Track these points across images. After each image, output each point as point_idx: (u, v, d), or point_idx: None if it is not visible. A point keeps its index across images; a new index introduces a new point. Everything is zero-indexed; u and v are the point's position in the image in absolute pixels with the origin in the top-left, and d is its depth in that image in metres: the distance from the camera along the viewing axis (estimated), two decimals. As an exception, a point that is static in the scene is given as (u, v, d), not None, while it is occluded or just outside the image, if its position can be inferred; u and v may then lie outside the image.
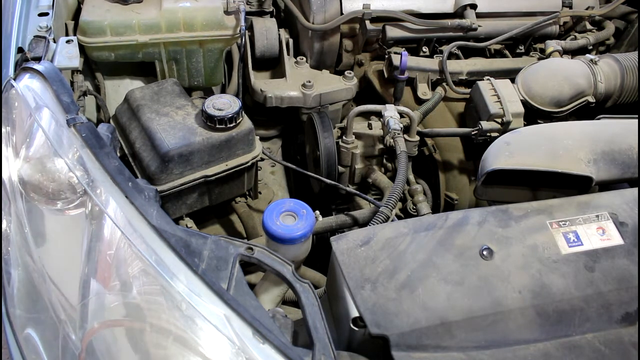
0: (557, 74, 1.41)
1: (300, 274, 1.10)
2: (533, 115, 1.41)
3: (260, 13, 1.67)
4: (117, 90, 1.42)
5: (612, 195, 0.94)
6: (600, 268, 0.84)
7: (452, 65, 1.57)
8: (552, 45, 1.57)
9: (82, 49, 1.28)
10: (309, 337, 0.75)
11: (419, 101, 1.57)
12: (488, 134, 1.35)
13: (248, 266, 0.96)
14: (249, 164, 1.22)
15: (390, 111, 1.33)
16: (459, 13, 1.61)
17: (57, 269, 0.85)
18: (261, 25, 1.57)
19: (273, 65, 1.62)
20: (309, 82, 1.46)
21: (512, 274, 0.83)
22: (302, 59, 1.56)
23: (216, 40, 1.38)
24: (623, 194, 0.95)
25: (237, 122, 1.16)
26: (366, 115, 1.52)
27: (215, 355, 0.72)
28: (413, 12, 1.58)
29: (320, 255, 1.15)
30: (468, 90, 1.49)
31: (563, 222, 0.89)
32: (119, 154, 1.02)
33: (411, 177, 1.47)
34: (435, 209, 1.51)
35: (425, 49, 1.63)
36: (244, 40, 1.39)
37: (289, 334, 0.79)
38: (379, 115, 1.39)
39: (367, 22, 1.54)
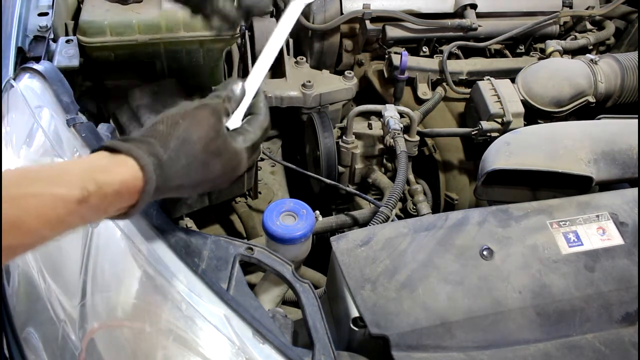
0: (557, 74, 1.40)
1: (300, 274, 1.10)
2: (533, 115, 1.41)
3: (261, 13, 1.67)
4: (117, 90, 1.42)
5: (613, 195, 0.94)
6: (600, 268, 0.84)
7: (452, 65, 1.57)
8: (552, 45, 1.56)
9: (82, 49, 1.27)
10: (309, 337, 0.75)
11: (419, 101, 1.56)
12: (488, 134, 1.35)
13: (248, 266, 0.96)
14: (249, 164, 1.21)
15: (390, 111, 1.33)
16: (459, 13, 1.61)
17: (57, 269, 0.85)
18: (261, 25, 1.57)
19: (273, 65, 1.62)
20: (309, 82, 1.46)
21: (512, 274, 0.83)
22: (302, 59, 1.56)
23: (216, 40, 1.38)
24: (623, 194, 0.94)
25: (237, 122, 1.16)
26: (366, 115, 1.52)
27: (215, 355, 0.72)
28: (413, 12, 1.58)
29: (320, 255, 1.15)
30: (468, 90, 1.49)
31: (563, 222, 0.89)
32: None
33: (411, 177, 1.46)
34: (435, 209, 1.51)
35: (425, 49, 1.63)
36: (243, 40, 1.39)
37: (289, 334, 0.79)
38: (379, 115, 1.39)
39: (367, 22, 1.54)
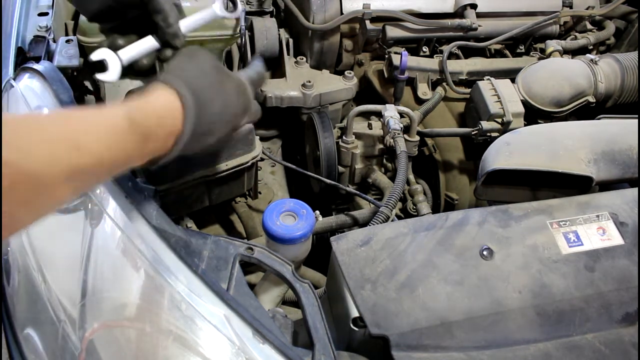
0: (558, 74, 1.40)
1: (300, 274, 1.10)
2: (533, 115, 1.41)
3: (260, 13, 1.67)
4: (117, 90, 1.41)
5: (612, 195, 0.94)
6: (600, 268, 0.84)
7: (452, 65, 1.57)
8: (553, 45, 1.56)
9: (82, 49, 1.27)
10: (309, 337, 0.75)
11: (419, 101, 1.56)
12: (488, 134, 1.35)
13: (248, 266, 0.96)
14: (249, 164, 1.21)
15: (390, 111, 1.33)
16: (459, 13, 1.61)
17: (57, 269, 0.85)
18: (261, 25, 1.57)
19: (273, 65, 1.62)
20: (309, 82, 1.46)
21: (512, 274, 0.83)
22: (302, 59, 1.56)
23: (216, 40, 1.38)
24: (623, 194, 0.95)
25: (237, 122, 1.16)
26: (366, 115, 1.52)
27: (215, 355, 0.72)
28: (413, 12, 1.58)
29: (320, 255, 1.15)
30: (468, 90, 1.49)
31: (563, 222, 0.89)
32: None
33: (411, 177, 1.46)
34: (435, 209, 1.51)
35: (425, 48, 1.63)
36: (244, 40, 1.39)
37: (289, 334, 0.79)
38: (379, 115, 1.39)
39: (367, 22, 1.54)
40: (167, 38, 0.84)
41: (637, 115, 1.14)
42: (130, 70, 0.84)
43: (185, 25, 0.86)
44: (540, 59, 1.61)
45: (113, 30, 0.86)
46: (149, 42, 0.84)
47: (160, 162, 0.71)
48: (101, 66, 0.79)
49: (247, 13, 1.50)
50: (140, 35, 0.85)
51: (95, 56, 0.79)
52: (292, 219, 0.95)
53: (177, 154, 0.71)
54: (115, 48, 0.83)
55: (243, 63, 1.47)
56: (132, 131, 0.61)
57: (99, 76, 0.79)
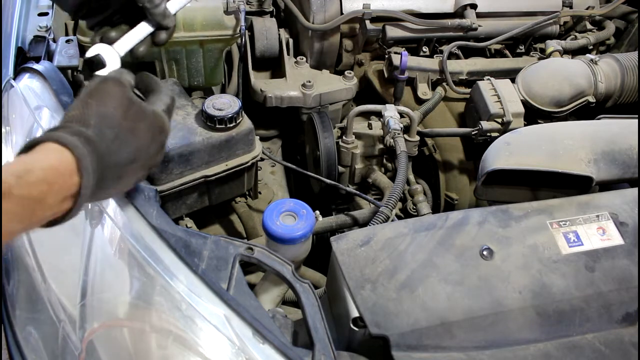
0: (557, 74, 1.40)
1: (300, 274, 1.10)
2: (533, 115, 1.41)
3: (260, 13, 1.67)
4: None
5: (613, 195, 0.94)
6: (600, 268, 0.84)
7: (452, 65, 1.57)
8: (553, 45, 1.56)
9: (82, 48, 1.28)
10: (309, 337, 0.75)
11: (419, 101, 1.56)
12: (488, 134, 1.35)
13: (248, 266, 0.96)
14: (249, 164, 1.22)
15: (390, 111, 1.33)
16: (459, 13, 1.61)
17: (57, 269, 0.85)
18: (261, 25, 1.57)
19: (273, 65, 1.62)
20: (309, 82, 1.46)
21: (512, 274, 0.83)
22: (302, 59, 1.56)
23: (216, 40, 1.38)
24: (623, 194, 0.95)
25: (237, 122, 1.16)
26: (366, 115, 1.52)
27: (215, 355, 0.72)
28: (413, 12, 1.58)
29: (320, 255, 1.15)
30: (468, 90, 1.49)
31: (563, 222, 0.89)
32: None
33: (411, 177, 1.47)
34: (435, 209, 1.51)
35: (425, 48, 1.63)
36: (244, 40, 1.39)
37: (289, 334, 0.79)
38: (379, 115, 1.39)
39: (367, 22, 1.54)
40: (157, 19, 0.80)
41: (637, 115, 1.14)
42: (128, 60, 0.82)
43: (172, 5, 0.85)
44: (540, 59, 1.61)
45: (102, 25, 0.82)
46: (142, 29, 0.82)
47: (61, 223, 0.62)
48: (98, 62, 0.78)
49: (247, 13, 1.50)
50: (131, 24, 0.83)
51: (90, 53, 0.78)
52: (292, 219, 0.95)
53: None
54: (109, 41, 0.81)
55: (243, 63, 1.48)
56: (8, 205, 0.52)
57: (100, 73, 0.77)
